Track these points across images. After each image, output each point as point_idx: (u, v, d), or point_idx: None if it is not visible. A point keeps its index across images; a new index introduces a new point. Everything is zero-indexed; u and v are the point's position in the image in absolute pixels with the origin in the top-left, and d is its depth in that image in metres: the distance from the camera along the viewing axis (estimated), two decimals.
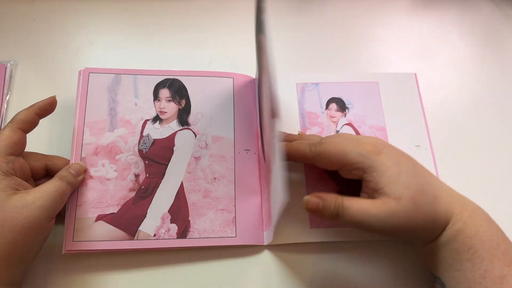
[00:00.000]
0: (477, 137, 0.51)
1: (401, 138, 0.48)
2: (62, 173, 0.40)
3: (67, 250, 0.40)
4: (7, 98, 0.48)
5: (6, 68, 0.49)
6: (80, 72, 0.47)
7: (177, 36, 0.55)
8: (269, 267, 0.43)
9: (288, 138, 0.43)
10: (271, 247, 0.43)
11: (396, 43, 0.57)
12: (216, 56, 0.54)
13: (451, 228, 0.35)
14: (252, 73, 0.51)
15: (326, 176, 0.45)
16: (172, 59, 0.53)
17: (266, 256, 0.43)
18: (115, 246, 0.40)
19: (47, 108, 0.41)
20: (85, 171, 0.43)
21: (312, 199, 0.36)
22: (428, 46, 0.57)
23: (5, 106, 0.47)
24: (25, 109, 0.40)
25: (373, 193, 0.35)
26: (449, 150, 0.49)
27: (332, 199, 0.36)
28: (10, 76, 0.49)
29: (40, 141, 0.45)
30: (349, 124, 0.48)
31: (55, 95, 0.41)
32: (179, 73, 0.49)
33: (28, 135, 0.39)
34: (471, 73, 0.55)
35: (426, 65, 0.55)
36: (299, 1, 0.59)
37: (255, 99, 0.50)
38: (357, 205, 0.35)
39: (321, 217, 0.40)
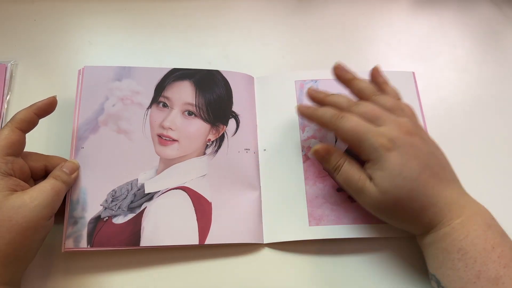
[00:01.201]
0: (476, 137, 0.51)
1: None
2: (55, 172, 0.40)
3: (66, 249, 0.40)
4: (8, 98, 0.49)
5: (6, 68, 0.50)
6: (79, 71, 0.48)
7: (177, 36, 0.55)
8: (268, 265, 0.43)
9: (318, 95, 0.45)
10: (271, 245, 0.44)
11: (396, 43, 0.57)
12: (216, 56, 0.54)
13: (437, 232, 0.37)
14: (252, 72, 0.52)
15: (325, 174, 0.46)
16: (172, 58, 0.54)
17: (265, 254, 0.44)
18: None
19: (46, 108, 0.41)
20: (78, 168, 0.43)
21: (321, 150, 0.42)
22: (427, 46, 0.57)
23: (6, 106, 0.48)
24: (25, 108, 0.40)
25: (369, 177, 0.39)
26: (448, 149, 0.49)
27: (336, 158, 0.41)
28: (11, 76, 0.50)
29: (40, 141, 0.46)
30: None
31: (55, 95, 0.41)
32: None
33: (27, 135, 0.39)
34: (470, 73, 0.55)
35: (425, 65, 0.56)
36: (297, 1, 0.60)
37: (254, 97, 0.50)
38: (351, 174, 0.40)
39: (323, 166, 0.46)
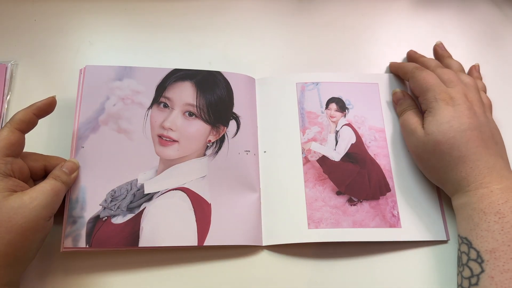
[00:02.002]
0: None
1: (400, 141, 0.49)
2: (55, 172, 0.41)
3: (64, 248, 0.41)
4: (8, 98, 0.50)
5: (6, 68, 0.51)
6: (81, 70, 0.48)
7: (177, 36, 0.56)
8: (267, 267, 0.44)
9: (415, 55, 0.54)
10: (269, 247, 0.45)
11: (396, 43, 0.58)
12: (216, 56, 0.55)
13: (473, 191, 0.39)
14: (252, 71, 0.52)
15: (325, 177, 0.47)
16: (172, 59, 0.54)
17: (264, 257, 0.44)
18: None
19: (46, 108, 0.41)
20: (78, 168, 0.43)
21: (399, 93, 0.49)
22: (427, 46, 0.57)
23: (6, 106, 0.49)
24: (24, 109, 0.41)
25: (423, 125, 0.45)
26: None
27: (407, 103, 0.48)
28: (11, 76, 0.51)
29: (39, 141, 0.47)
30: (349, 125, 0.50)
31: (55, 95, 0.42)
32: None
33: (27, 135, 0.40)
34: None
35: None
36: (298, 1, 0.60)
37: (254, 99, 0.51)
38: (409, 118, 0.46)
39: (395, 107, 0.51)
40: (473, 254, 0.37)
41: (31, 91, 0.51)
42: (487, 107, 0.48)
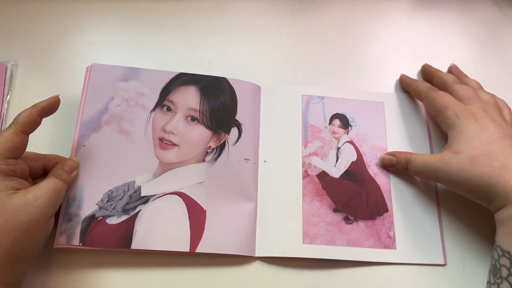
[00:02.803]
0: None
1: None
2: (57, 171, 0.45)
3: (58, 245, 0.46)
4: (8, 98, 0.56)
5: (6, 68, 0.57)
6: (87, 68, 0.54)
7: (177, 36, 0.63)
8: (259, 278, 0.49)
9: (430, 69, 0.60)
10: (262, 258, 0.50)
11: (396, 43, 0.64)
12: (216, 56, 0.61)
13: None
14: (252, 73, 0.59)
15: (323, 193, 0.53)
16: (172, 59, 0.61)
17: (256, 267, 0.50)
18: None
19: (49, 108, 0.46)
20: (78, 166, 0.49)
21: (387, 156, 0.54)
22: (427, 46, 0.64)
23: (6, 106, 0.55)
24: (28, 109, 0.44)
25: (445, 149, 0.49)
26: None
27: (403, 155, 0.52)
28: (11, 76, 0.57)
29: (39, 141, 0.52)
30: (351, 142, 0.56)
31: (59, 95, 0.46)
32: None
33: (30, 135, 0.45)
34: (471, 73, 0.61)
35: None
36: (299, 3, 0.67)
37: (259, 107, 0.58)
38: (420, 158, 0.50)
39: (394, 171, 0.55)
40: None
41: (31, 91, 0.56)
42: (510, 123, 0.51)
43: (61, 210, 0.48)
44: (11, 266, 0.40)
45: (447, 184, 0.49)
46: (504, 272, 0.41)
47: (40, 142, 0.53)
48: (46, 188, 0.43)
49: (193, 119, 0.55)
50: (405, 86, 0.60)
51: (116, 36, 0.63)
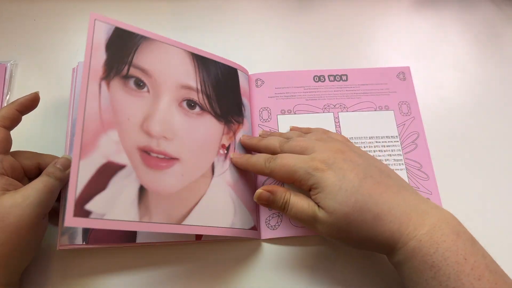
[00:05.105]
0: (476, 137, 0.56)
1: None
2: (49, 169, 0.43)
3: (61, 246, 0.44)
4: (7, 98, 0.55)
5: (6, 68, 0.56)
6: (73, 69, 0.52)
7: (177, 36, 0.56)
8: (266, 261, 0.49)
9: (251, 142, 0.49)
10: (269, 240, 0.49)
11: (396, 42, 0.63)
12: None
13: (404, 247, 0.39)
14: (252, 71, 0.57)
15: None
16: None
17: (263, 250, 0.49)
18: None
19: (29, 104, 0.45)
20: None
21: (264, 192, 0.44)
22: (427, 46, 0.62)
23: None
24: (6, 105, 0.44)
25: (316, 204, 0.42)
26: (447, 149, 0.55)
27: (281, 195, 0.44)
28: (10, 76, 0.56)
29: (40, 141, 0.52)
30: None
31: (38, 91, 0.46)
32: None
33: (27, 134, 0.44)
34: (470, 72, 0.61)
35: (425, 64, 0.62)
36: (299, 3, 0.65)
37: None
38: (300, 205, 0.43)
39: (270, 209, 0.49)
40: None
41: (30, 90, 0.50)
42: (347, 141, 0.48)
43: (60, 210, 0.46)
44: (6, 267, 0.39)
45: (327, 236, 0.44)
46: None
47: (40, 142, 0.52)
48: (35, 187, 0.41)
49: (191, 104, 0.38)
50: (243, 168, 0.48)
51: None
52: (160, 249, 0.48)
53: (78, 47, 0.60)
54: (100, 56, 0.35)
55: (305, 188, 0.43)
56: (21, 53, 0.59)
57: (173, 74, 0.36)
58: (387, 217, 0.39)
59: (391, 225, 0.39)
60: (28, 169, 0.45)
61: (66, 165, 0.45)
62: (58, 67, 0.59)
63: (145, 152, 0.34)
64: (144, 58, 0.35)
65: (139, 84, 0.35)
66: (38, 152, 0.47)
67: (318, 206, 0.41)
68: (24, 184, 0.44)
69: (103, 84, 0.34)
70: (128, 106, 0.34)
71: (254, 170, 0.46)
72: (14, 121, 0.44)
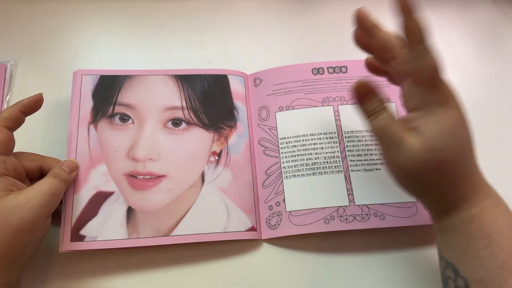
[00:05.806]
0: (475, 137, 0.54)
1: None
2: (55, 170, 0.43)
3: (63, 250, 0.44)
4: (7, 98, 0.54)
5: (6, 68, 0.56)
6: (74, 73, 0.51)
7: (177, 36, 0.61)
8: (267, 261, 0.48)
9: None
10: (269, 240, 0.49)
11: None
12: (216, 56, 0.60)
13: (466, 211, 0.38)
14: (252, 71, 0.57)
15: None
16: (172, 58, 0.59)
17: (264, 250, 0.49)
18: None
19: (32, 105, 0.45)
20: (77, 167, 0.46)
21: (369, 84, 0.40)
22: None
23: (6, 106, 0.53)
24: (10, 106, 0.44)
25: (409, 125, 0.39)
26: None
27: (381, 100, 0.40)
28: (10, 76, 0.56)
29: (38, 141, 0.51)
30: None
31: (42, 92, 0.45)
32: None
33: (26, 135, 0.44)
34: (470, 72, 0.61)
35: None
36: (299, 3, 0.65)
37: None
38: (391, 121, 0.39)
39: (359, 106, 0.41)
40: (460, 283, 0.37)
41: (30, 91, 0.50)
42: None
43: (62, 213, 0.46)
44: (6, 268, 0.39)
45: (395, 171, 0.40)
46: (451, 285, 0.39)
47: (40, 143, 0.52)
48: (40, 189, 0.41)
49: (176, 122, 0.41)
50: (362, 25, 0.45)
51: (116, 36, 0.62)
52: (160, 250, 0.47)
53: (78, 47, 0.60)
54: (87, 104, 0.42)
55: (419, 99, 0.39)
56: (21, 53, 0.59)
57: (157, 100, 0.41)
58: (470, 180, 0.38)
59: (468, 188, 0.38)
60: (30, 171, 0.45)
61: (72, 168, 0.45)
62: (58, 67, 0.58)
63: (132, 176, 0.39)
64: (128, 95, 0.41)
65: (124, 118, 0.41)
66: (39, 153, 0.47)
67: (414, 132, 0.38)
68: (26, 185, 0.43)
69: (91, 127, 0.41)
70: (114, 140, 0.40)
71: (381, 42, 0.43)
72: (17, 122, 0.44)
